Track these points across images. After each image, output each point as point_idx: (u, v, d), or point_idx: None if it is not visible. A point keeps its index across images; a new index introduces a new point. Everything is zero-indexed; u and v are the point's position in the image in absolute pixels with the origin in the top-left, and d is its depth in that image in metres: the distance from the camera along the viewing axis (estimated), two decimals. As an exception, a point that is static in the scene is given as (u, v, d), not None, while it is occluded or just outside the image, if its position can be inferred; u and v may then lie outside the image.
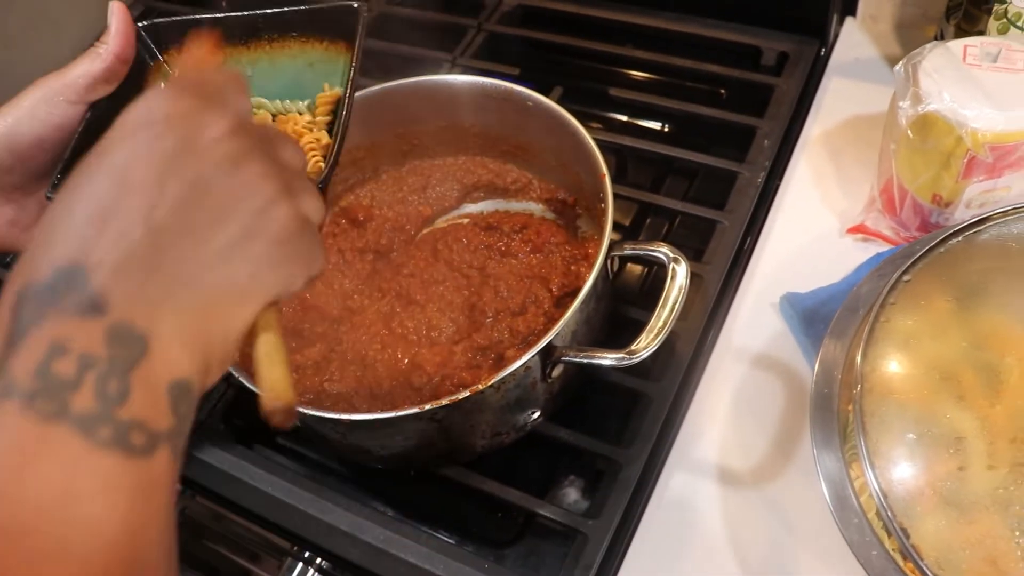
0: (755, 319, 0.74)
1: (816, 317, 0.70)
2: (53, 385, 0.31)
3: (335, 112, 0.61)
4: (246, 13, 0.60)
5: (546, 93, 0.74)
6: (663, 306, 0.59)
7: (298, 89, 0.62)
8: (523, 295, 0.72)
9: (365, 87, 0.76)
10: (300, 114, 0.61)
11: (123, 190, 0.34)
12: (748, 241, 0.79)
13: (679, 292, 0.60)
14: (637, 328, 0.60)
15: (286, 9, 0.60)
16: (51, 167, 0.53)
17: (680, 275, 0.60)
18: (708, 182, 0.85)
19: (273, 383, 0.41)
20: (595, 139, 0.68)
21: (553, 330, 0.59)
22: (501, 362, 0.68)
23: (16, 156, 0.51)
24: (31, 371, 0.31)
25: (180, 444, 0.34)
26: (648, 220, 0.85)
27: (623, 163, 0.91)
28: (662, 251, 0.62)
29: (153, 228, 0.34)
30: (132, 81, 0.54)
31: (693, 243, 0.80)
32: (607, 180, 0.66)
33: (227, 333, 0.37)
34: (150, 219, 0.34)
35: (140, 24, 0.56)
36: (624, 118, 0.96)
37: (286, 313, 0.74)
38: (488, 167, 0.82)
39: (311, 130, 0.60)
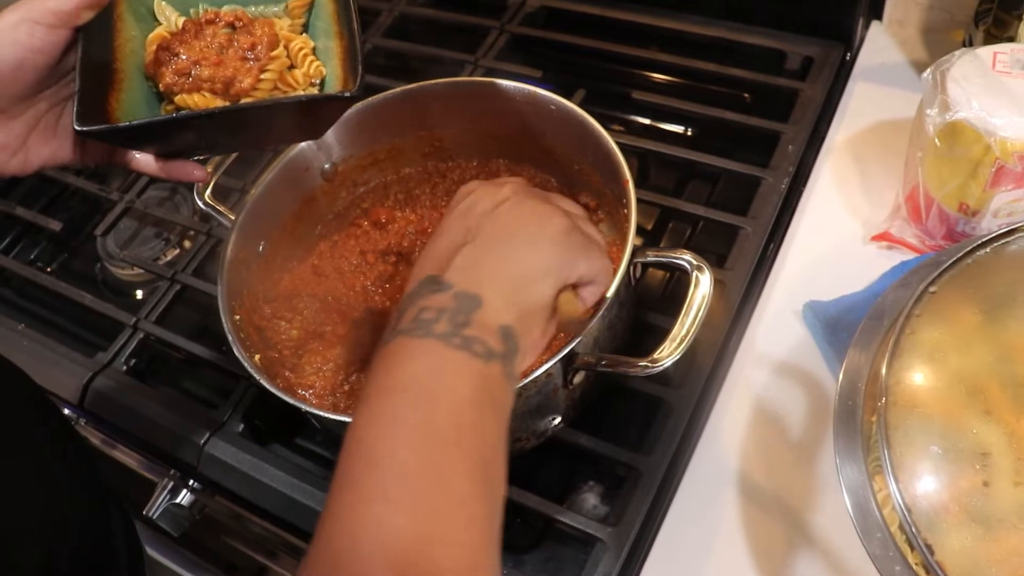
0: (778, 326, 0.73)
1: (839, 326, 0.69)
2: (422, 323, 0.47)
3: (308, 14, 0.63)
4: None
5: (569, 95, 0.73)
6: (686, 314, 0.59)
7: None
8: (544, 300, 0.71)
9: (387, 88, 0.76)
10: (279, 19, 0.62)
11: (466, 226, 0.53)
12: (771, 247, 0.78)
13: (702, 300, 0.59)
14: (659, 334, 0.59)
15: None
16: (32, 90, 0.54)
17: (704, 283, 0.60)
18: (731, 187, 0.85)
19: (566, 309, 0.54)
20: (617, 142, 0.68)
21: (575, 337, 0.58)
22: (522, 367, 0.67)
23: None
24: (411, 318, 0.48)
25: (511, 371, 0.48)
26: (670, 225, 0.85)
27: (645, 167, 0.91)
28: (685, 259, 0.62)
29: (477, 243, 0.52)
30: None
31: (715, 248, 0.79)
32: (631, 186, 0.65)
33: (534, 299, 0.51)
34: (476, 237, 0.52)
35: None
36: (647, 121, 0.95)
37: (307, 315, 0.74)
38: (510, 170, 0.82)
39: (296, 34, 0.62)
